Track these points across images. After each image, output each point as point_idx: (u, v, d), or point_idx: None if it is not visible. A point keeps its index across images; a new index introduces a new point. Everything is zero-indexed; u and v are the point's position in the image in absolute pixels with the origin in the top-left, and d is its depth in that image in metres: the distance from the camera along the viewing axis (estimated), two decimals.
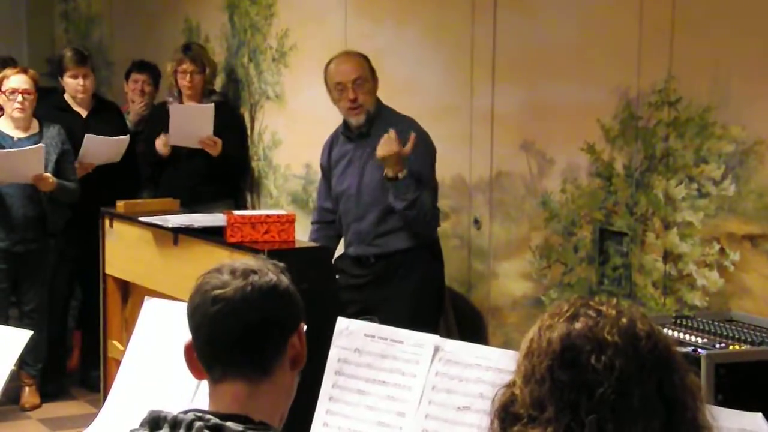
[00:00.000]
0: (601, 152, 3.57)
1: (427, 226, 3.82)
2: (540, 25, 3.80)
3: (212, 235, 3.92)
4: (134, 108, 5.58)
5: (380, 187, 3.79)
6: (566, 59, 3.69)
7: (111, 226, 4.54)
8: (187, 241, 4.03)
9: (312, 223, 4.18)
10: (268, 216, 3.83)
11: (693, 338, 2.76)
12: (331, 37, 4.78)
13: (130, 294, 4.56)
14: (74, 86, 5.12)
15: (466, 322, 4.11)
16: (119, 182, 5.11)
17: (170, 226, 4.09)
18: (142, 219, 4.25)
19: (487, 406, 1.38)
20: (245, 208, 5.30)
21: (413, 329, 2.28)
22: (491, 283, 4.06)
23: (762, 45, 3.08)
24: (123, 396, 2.49)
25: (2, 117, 4.88)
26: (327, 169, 4.04)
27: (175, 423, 1.53)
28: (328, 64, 3.94)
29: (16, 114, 4.78)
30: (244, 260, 1.65)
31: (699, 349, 2.65)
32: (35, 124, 4.87)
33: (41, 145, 4.70)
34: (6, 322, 4.37)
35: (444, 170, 4.04)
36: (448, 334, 3.81)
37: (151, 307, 2.59)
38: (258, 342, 1.58)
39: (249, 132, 5.39)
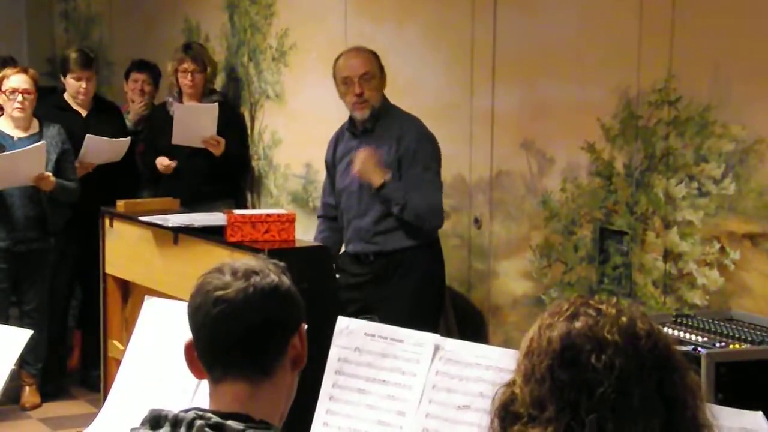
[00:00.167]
0: (602, 151, 3.57)
1: (428, 225, 3.81)
2: (540, 24, 3.79)
3: (212, 234, 3.92)
4: (134, 108, 5.58)
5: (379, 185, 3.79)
6: (566, 58, 3.69)
7: (111, 225, 4.54)
8: (188, 240, 4.03)
9: (318, 216, 4.19)
10: (268, 215, 3.83)
11: (693, 337, 2.76)
12: (331, 36, 4.78)
13: (131, 293, 4.56)
14: (76, 88, 5.12)
15: (466, 322, 4.11)
16: (119, 182, 5.11)
17: (170, 225, 4.09)
18: (143, 218, 4.25)
19: (487, 405, 1.38)
20: (245, 207, 5.30)
21: (413, 328, 2.28)
22: (491, 283, 4.06)
23: (762, 44, 3.08)
24: (123, 395, 2.49)
25: (2, 117, 4.87)
26: (331, 165, 4.04)
27: (176, 421, 1.53)
28: (338, 58, 3.95)
29: (16, 114, 4.78)
30: (245, 260, 1.65)
31: (699, 348, 2.65)
32: (35, 123, 4.87)
33: (42, 142, 4.70)
34: (6, 322, 4.36)
35: (444, 169, 4.04)
36: (448, 334, 3.81)
37: (151, 306, 2.59)
38: (259, 343, 1.58)
39: (249, 131, 5.39)
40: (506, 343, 3.79)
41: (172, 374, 2.35)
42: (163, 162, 5.05)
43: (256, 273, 1.60)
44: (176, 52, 5.22)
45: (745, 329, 2.83)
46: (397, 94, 4.07)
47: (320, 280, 3.53)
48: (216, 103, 5.05)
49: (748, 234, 3.12)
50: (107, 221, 4.55)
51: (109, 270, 4.60)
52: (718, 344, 2.70)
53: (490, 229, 4.05)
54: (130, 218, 4.39)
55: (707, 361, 2.55)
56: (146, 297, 2.66)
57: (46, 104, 5.04)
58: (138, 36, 6.32)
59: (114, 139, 5.07)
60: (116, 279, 4.60)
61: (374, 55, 3.89)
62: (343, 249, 4.04)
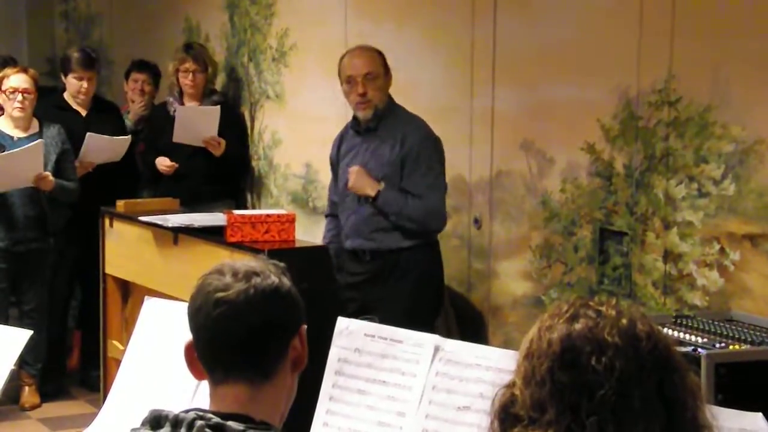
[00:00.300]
0: (601, 152, 3.57)
1: (427, 229, 3.80)
2: (540, 25, 3.80)
3: (212, 234, 3.93)
4: (134, 108, 5.58)
5: (380, 181, 3.79)
6: (566, 59, 3.69)
7: (111, 225, 4.54)
8: (187, 240, 4.03)
9: (325, 215, 4.19)
10: (268, 215, 3.83)
11: (693, 338, 2.76)
12: (331, 37, 4.78)
13: (130, 294, 4.56)
14: (77, 87, 5.12)
15: (466, 322, 4.11)
16: (119, 182, 5.11)
17: (170, 225, 4.10)
18: (142, 218, 4.26)
19: (487, 406, 1.38)
20: (245, 207, 5.31)
21: (408, 329, 2.28)
22: (491, 283, 4.06)
23: (762, 45, 3.08)
24: (123, 396, 2.49)
25: (2, 117, 4.87)
26: (335, 162, 4.04)
27: (176, 422, 1.53)
28: (343, 56, 3.95)
29: (16, 113, 4.77)
30: (246, 261, 1.65)
31: (699, 349, 2.65)
32: (35, 123, 4.87)
33: (40, 141, 4.69)
34: (6, 322, 4.36)
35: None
36: (448, 334, 3.81)
37: (151, 306, 2.59)
38: (260, 345, 1.58)
39: (249, 132, 5.39)
40: (506, 344, 3.79)
41: (171, 375, 2.35)
42: (164, 162, 5.05)
43: (256, 274, 1.59)
44: (177, 52, 5.22)
45: (745, 330, 2.83)
46: (397, 94, 4.07)
47: (320, 280, 3.53)
48: (218, 106, 5.05)
49: (748, 235, 3.12)
50: (107, 221, 4.56)
51: (108, 270, 4.60)
52: (717, 345, 2.70)
53: (490, 229, 4.05)
54: (130, 218, 4.39)
55: (707, 362, 2.55)
56: (146, 297, 2.66)
57: (46, 104, 5.04)
58: (138, 36, 6.32)
59: (115, 138, 5.08)
60: (116, 279, 4.60)
61: (379, 55, 3.88)
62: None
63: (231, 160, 5.13)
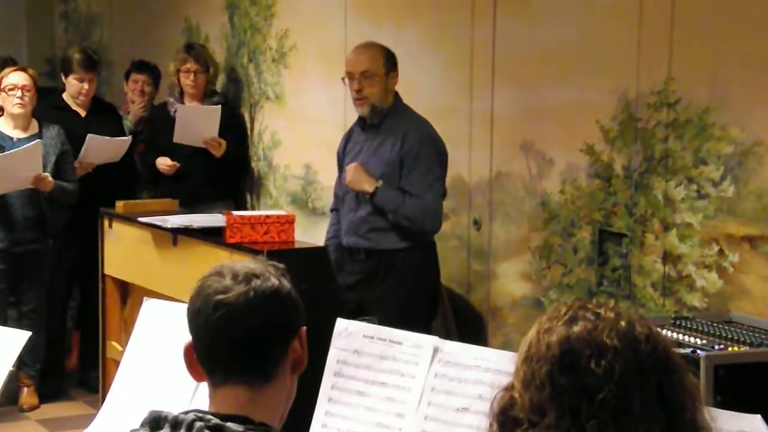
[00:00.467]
0: (601, 153, 3.58)
1: (422, 229, 3.78)
2: (539, 26, 3.80)
3: (211, 235, 3.93)
4: (133, 109, 5.58)
5: (378, 179, 3.78)
6: (566, 60, 3.69)
7: (110, 226, 4.54)
8: (187, 241, 4.03)
9: (330, 210, 4.18)
10: (267, 216, 3.83)
11: (692, 339, 2.76)
12: (331, 38, 4.78)
13: (129, 294, 4.56)
14: (77, 89, 5.12)
15: (465, 323, 4.11)
16: (118, 182, 5.11)
17: (169, 226, 4.10)
18: (142, 219, 4.25)
19: (486, 407, 1.37)
20: (245, 208, 5.31)
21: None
22: (491, 284, 4.06)
23: (761, 46, 3.08)
24: (122, 397, 2.49)
25: (1, 117, 4.87)
26: (341, 158, 4.04)
27: (176, 423, 1.53)
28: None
29: (17, 110, 4.76)
30: (245, 262, 1.64)
31: (698, 351, 2.65)
32: (34, 124, 4.87)
33: (38, 141, 4.69)
34: (5, 323, 4.36)
35: None
36: (447, 335, 3.81)
37: (150, 307, 2.59)
38: (260, 347, 1.58)
39: (249, 132, 5.39)
40: (506, 345, 3.79)
41: (170, 376, 2.34)
42: (165, 162, 5.04)
43: (256, 276, 1.59)
44: (179, 53, 5.22)
45: (744, 331, 2.84)
46: None
47: (319, 281, 3.53)
48: (219, 106, 5.05)
49: (747, 236, 3.12)
50: (106, 222, 4.56)
51: (107, 271, 4.60)
52: (716, 347, 2.70)
53: (490, 230, 4.05)
54: (129, 219, 4.39)
55: (706, 364, 2.55)
56: (145, 298, 2.66)
57: (45, 104, 5.04)
58: (138, 36, 6.32)
59: (115, 139, 5.08)
60: (115, 280, 4.60)
61: (384, 53, 3.85)
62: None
63: (231, 160, 5.13)
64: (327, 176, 4.78)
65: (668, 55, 3.31)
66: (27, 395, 4.96)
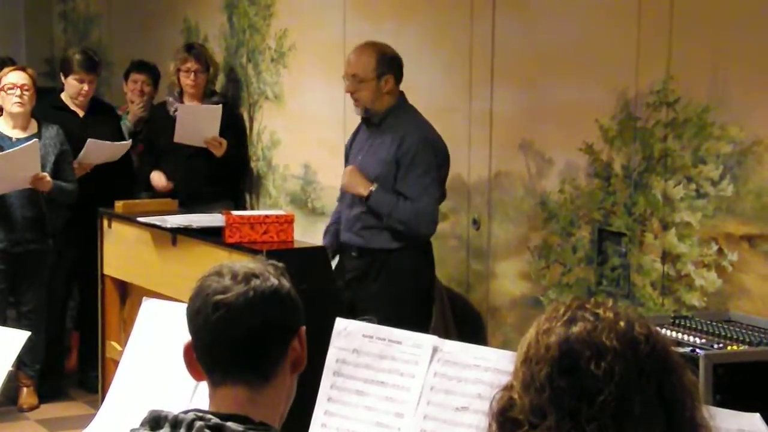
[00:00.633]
0: (600, 153, 3.58)
1: (416, 232, 3.75)
2: (539, 25, 3.80)
3: (211, 235, 3.93)
4: (133, 109, 5.58)
5: (373, 180, 3.78)
6: (565, 60, 3.69)
7: (109, 226, 4.54)
8: (186, 241, 4.03)
9: (337, 200, 4.18)
10: (266, 216, 3.83)
11: (691, 338, 2.77)
12: (330, 38, 4.78)
13: (129, 294, 4.56)
14: (77, 90, 5.12)
15: (465, 323, 4.11)
16: (117, 183, 5.11)
17: (169, 226, 4.09)
18: (141, 219, 4.25)
19: (485, 407, 1.37)
20: (244, 208, 5.31)
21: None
22: (490, 284, 4.06)
23: (760, 45, 3.09)
24: (121, 397, 2.49)
25: (1, 117, 4.87)
26: (347, 153, 4.04)
27: (175, 422, 1.53)
28: None
29: (16, 108, 4.76)
30: (244, 262, 1.64)
31: (697, 350, 2.65)
32: (34, 124, 4.87)
33: (35, 140, 4.68)
34: (4, 323, 4.36)
35: None
36: (446, 335, 3.81)
37: (149, 307, 2.59)
38: (259, 347, 1.58)
39: (248, 132, 5.39)
40: (505, 345, 3.79)
41: (170, 376, 2.34)
42: (161, 181, 5.04)
43: (256, 276, 1.59)
44: (179, 52, 5.22)
45: (743, 331, 2.84)
46: None
47: (319, 281, 3.53)
48: (220, 105, 5.05)
49: (746, 235, 3.12)
50: (105, 222, 4.55)
51: (107, 271, 4.60)
52: (716, 346, 2.70)
53: (489, 230, 4.05)
54: (129, 219, 4.39)
55: (705, 363, 2.55)
56: (144, 298, 2.66)
57: (43, 104, 5.04)
58: (137, 36, 6.32)
59: (115, 143, 5.07)
60: (114, 280, 4.60)
61: (377, 57, 3.81)
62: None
63: (230, 160, 5.13)
64: (326, 176, 4.78)
65: (667, 54, 3.31)
66: (26, 395, 4.96)
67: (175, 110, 5.08)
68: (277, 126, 5.22)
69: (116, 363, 2.78)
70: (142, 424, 1.57)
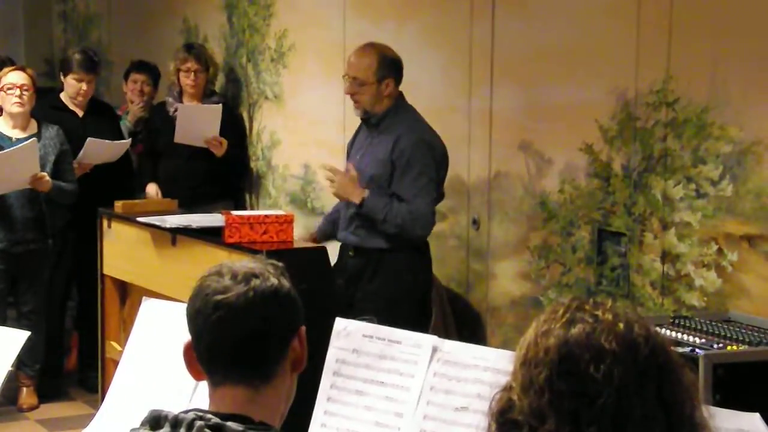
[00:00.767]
0: (600, 153, 3.58)
1: (411, 234, 3.73)
2: (538, 25, 3.80)
3: (210, 235, 3.92)
4: (132, 108, 5.58)
5: (368, 179, 3.78)
6: (564, 60, 3.70)
7: (109, 226, 4.54)
8: (186, 241, 4.03)
9: None
10: (266, 216, 3.83)
11: (691, 338, 2.77)
12: (329, 37, 4.78)
13: (128, 294, 4.56)
14: (76, 89, 5.11)
15: (464, 323, 4.11)
16: (117, 183, 5.11)
17: (168, 226, 4.09)
18: (140, 219, 4.25)
19: (485, 406, 1.37)
20: (244, 208, 5.31)
21: None
22: (490, 284, 4.07)
23: (760, 45, 3.09)
24: (121, 397, 2.49)
25: (0, 117, 4.87)
26: (349, 152, 4.04)
27: (176, 422, 1.53)
28: None
29: (15, 108, 4.76)
30: (244, 262, 1.64)
31: (697, 350, 2.65)
32: (33, 124, 4.87)
33: (33, 140, 4.68)
34: (4, 323, 4.36)
35: None
36: (446, 335, 3.81)
37: (149, 307, 2.59)
38: (260, 348, 1.58)
39: (247, 132, 5.39)
40: (505, 344, 3.79)
41: (169, 375, 2.34)
42: (157, 196, 5.08)
43: (255, 276, 1.59)
44: (179, 52, 5.22)
45: (743, 331, 2.84)
46: None
47: (318, 281, 3.53)
48: (220, 105, 5.06)
49: (746, 235, 3.12)
50: (105, 222, 4.55)
51: (106, 271, 4.60)
52: (715, 346, 2.70)
53: (489, 230, 4.05)
54: (128, 219, 4.38)
55: (705, 363, 2.55)
56: (144, 298, 2.66)
57: (43, 104, 5.04)
58: (136, 37, 6.32)
59: (114, 142, 5.07)
60: (114, 280, 4.59)
61: (378, 60, 3.79)
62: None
63: (230, 161, 5.13)
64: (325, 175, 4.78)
65: (667, 54, 3.32)
66: (26, 395, 4.95)
67: (175, 110, 5.08)
68: (276, 126, 5.22)
69: (116, 363, 2.78)
70: (143, 424, 1.57)
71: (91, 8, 6.89)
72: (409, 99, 3.97)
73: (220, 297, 1.57)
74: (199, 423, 1.51)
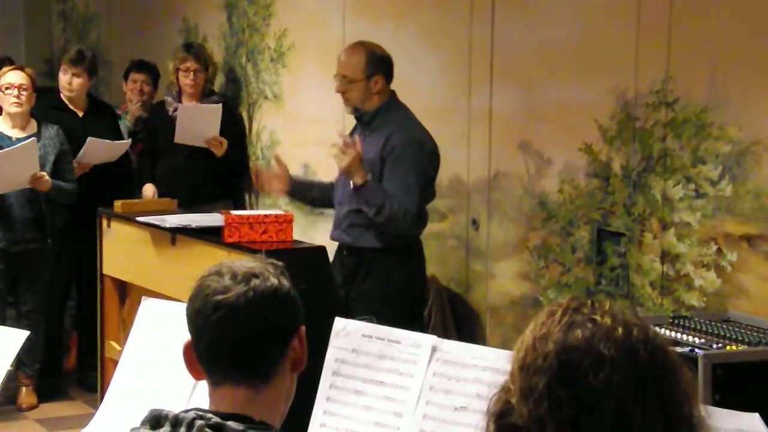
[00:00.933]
0: (599, 152, 3.58)
1: (396, 229, 3.72)
2: (538, 25, 3.80)
3: (210, 235, 3.92)
4: (131, 108, 5.58)
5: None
6: (564, 59, 3.70)
7: (108, 226, 4.53)
8: (185, 241, 4.03)
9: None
10: (266, 216, 3.83)
11: (690, 338, 2.77)
12: (329, 37, 4.78)
13: (128, 294, 4.56)
14: (63, 83, 5.12)
15: (464, 322, 4.11)
16: (116, 182, 5.11)
17: (168, 226, 4.09)
18: (140, 219, 4.25)
19: (484, 406, 1.37)
20: (244, 208, 5.31)
21: None
22: (489, 283, 4.07)
23: (759, 45, 3.09)
24: (120, 396, 2.49)
25: (0, 117, 4.87)
26: None
27: (176, 421, 1.53)
28: None
29: (13, 109, 4.76)
30: (244, 261, 1.64)
31: (696, 350, 2.65)
32: (33, 124, 4.86)
33: (33, 139, 4.68)
34: (3, 322, 4.36)
35: (442, 170, 4.03)
36: (445, 334, 3.81)
37: (148, 307, 2.59)
38: (260, 348, 1.58)
39: (247, 132, 5.39)
40: (504, 344, 3.79)
41: (169, 375, 2.34)
42: (152, 192, 5.08)
43: (255, 276, 1.59)
44: (178, 51, 5.22)
45: (742, 331, 2.84)
46: None
47: (318, 281, 3.53)
48: (220, 105, 5.06)
49: (745, 235, 3.12)
50: (104, 222, 4.55)
51: (106, 271, 4.60)
52: (715, 346, 2.70)
53: (488, 230, 4.05)
54: (128, 219, 4.38)
55: (704, 363, 2.55)
56: (143, 298, 2.65)
57: (42, 104, 5.03)
58: (136, 36, 6.32)
59: (115, 142, 5.07)
60: (113, 280, 4.59)
61: (367, 58, 3.81)
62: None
63: (230, 160, 5.14)
64: (325, 176, 4.77)
65: (666, 54, 3.32)
66: (26, 395, 4.95)
67: (174, 110, 5.08)
68: (276, 126, 5.22)
69: (115, 362, 2.78)
70: (143, 423, 1.57)
71: (90, 8, 6.89)
72: (409, 98, 3.97)
73: (220, 297, 1.57)
74: (199, 422, 1.51)
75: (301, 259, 3.67)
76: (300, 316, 1.64)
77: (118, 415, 2.44)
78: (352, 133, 4.02)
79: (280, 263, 1.65)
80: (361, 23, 4.62)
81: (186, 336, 1.62)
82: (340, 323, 2.31)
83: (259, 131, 5.33)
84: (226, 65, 5.53)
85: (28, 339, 2.65)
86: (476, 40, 4.05)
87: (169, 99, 5.23)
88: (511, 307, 3.97)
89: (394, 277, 3.77)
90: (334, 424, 2.25)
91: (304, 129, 5.00)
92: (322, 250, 3.84)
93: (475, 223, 4.10)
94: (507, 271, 3.98)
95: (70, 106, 5.18)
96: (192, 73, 5.13)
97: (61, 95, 5.21)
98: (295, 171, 5.08)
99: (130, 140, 5.17)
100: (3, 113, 4.85)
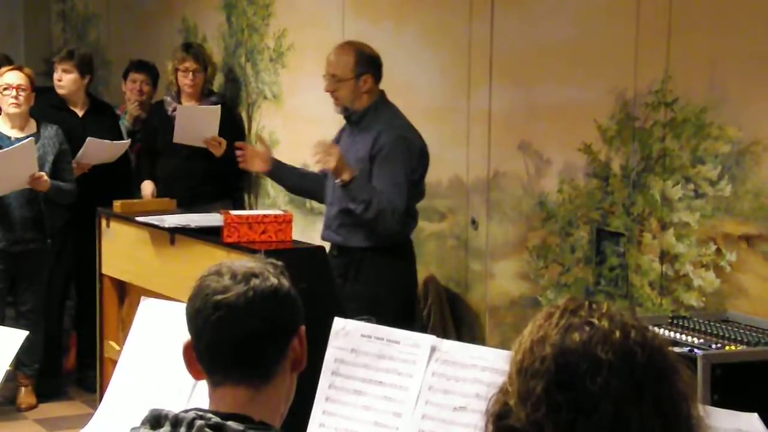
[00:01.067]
0: (598, 153, 3.58)
1: (382, 226, 3.71)
2: (537, 25, 3.80)
3: (209, 235, 3.92)
4: (130, 108, 5.58)
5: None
6: (563, 60, 3.70)
7: (108, 226, 4.53)
8: (184, 241, 4.02)
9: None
10: (265, 216, 3.83)
11: (689, 338, 2.77)
12: (328, 37, 4.78)
13: (127, 294, 4.56)
14: (55, 80, 5.14)
15: (463, 322, 4.11)
16: (115, 182, 5.11)
17: (167, 226, 4.09)
18: (139, 219, 4.25)
19: (483, 406, 1.37)
20: (243, 208, 5.31)
21: None
22: (488, 284, 4.07)
23: (758, 45, 3.09)
24: (119, 396, 2.49)
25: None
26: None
27: (176, 421, 1.53)
28: None
29: (12, 109, 4.76)
30: (244, 261, 1.64)
31: (695, 350, 2.65)
32: (32, 124, 4.86)
33: (31, 139, 4.68)
34: (2, 322, 4.36)
35: (441, 171, 4.04)
36: (444, 334, 3.81)
37: (147, 307, 2.59)
38: (260, 347, 1.57)
39: (246, 132, 5.39)
40: (503, 344, 3.79)
41: (168, 375, 2.35)
42: (151, 191, 5.09)
43: (255, 276, 1.58)
44: (177, 51, 5.22)
45: (741, 331, 2.84)
46: (394, 95, 4.07)
47: (317, 280, 3.53)
48: (219, 106, 5.05)
49: (744, 235, 3.12)
50: (104, 222, 4.55)
51: (105, 270, 4.60)
52: (714, 346, 2.70)
53: (487, 230, 4.05)
54: (127, 219, 4.38)
55: (703, 363, 2.55)
56: (143, 298, 2.65)
57: (42, 103, 5.03)
58: (135, 36, 6.32)
59: (114, 142, 5.07)
60: (113, 280, 4.59)
61: (356, 57, 3.81)
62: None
63: (229, 160, 5.13)
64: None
65: (665, 54, 3.32)
66: (25, 395, 4.95)
67: (173, 110, 5.08)
68: (275, 126, 5.22)
69: (114, 362, 2.78)
70: (143, 423, 1.57)
71: (89, 8, 6.89)
72: (408, 98, 3.97)
73: (219, 297, 1.56)
74: (199, 422, 1.51)
75: (301, 259, 3.67)
76: (300, 315, 1.64)
77: (117, 415, 2.44)
78: (341, 132, 4.02)
79: (279, 263, 1.65)
80: (360, 23, 4.62)
81: (185, 336, 1.61)
82: (339, 323, 2.31)
83: (258, 131, 5.33)
84: (226, 65, 5.53)
85: (28, 339, 2.65)
86: (476, 40, 4.05)
87: (168, 99, 5.23)
88: (510, 307, 3.97)
89: (384, 276, 3.76)
90: (333, 424, 2.25)
91: (304, 129, 5.00)
92: (321, 250, 3.84)
93: (474, 223, 4.10)
94: (506, 271, 3.98)
95: (70, 106, 5.18)
96: (191, 73, 5.12)
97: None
98: None
99: (129, 141, 5.17)
100: (2, 113, 4.85)
